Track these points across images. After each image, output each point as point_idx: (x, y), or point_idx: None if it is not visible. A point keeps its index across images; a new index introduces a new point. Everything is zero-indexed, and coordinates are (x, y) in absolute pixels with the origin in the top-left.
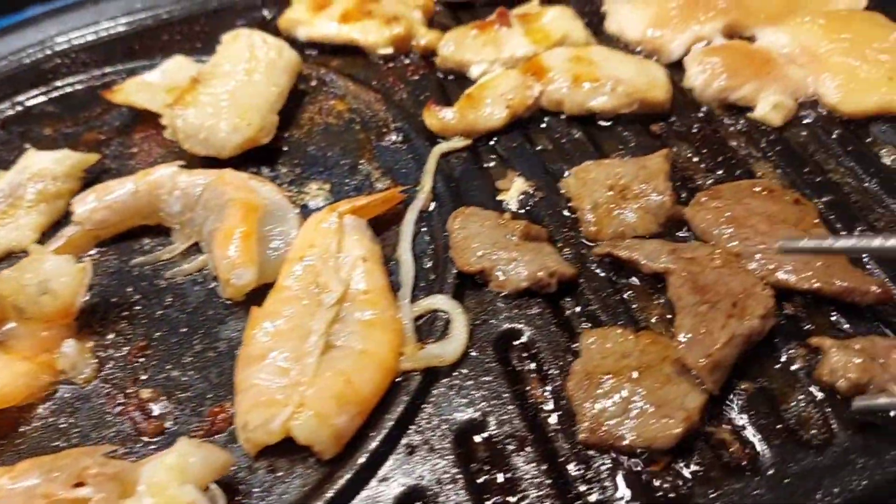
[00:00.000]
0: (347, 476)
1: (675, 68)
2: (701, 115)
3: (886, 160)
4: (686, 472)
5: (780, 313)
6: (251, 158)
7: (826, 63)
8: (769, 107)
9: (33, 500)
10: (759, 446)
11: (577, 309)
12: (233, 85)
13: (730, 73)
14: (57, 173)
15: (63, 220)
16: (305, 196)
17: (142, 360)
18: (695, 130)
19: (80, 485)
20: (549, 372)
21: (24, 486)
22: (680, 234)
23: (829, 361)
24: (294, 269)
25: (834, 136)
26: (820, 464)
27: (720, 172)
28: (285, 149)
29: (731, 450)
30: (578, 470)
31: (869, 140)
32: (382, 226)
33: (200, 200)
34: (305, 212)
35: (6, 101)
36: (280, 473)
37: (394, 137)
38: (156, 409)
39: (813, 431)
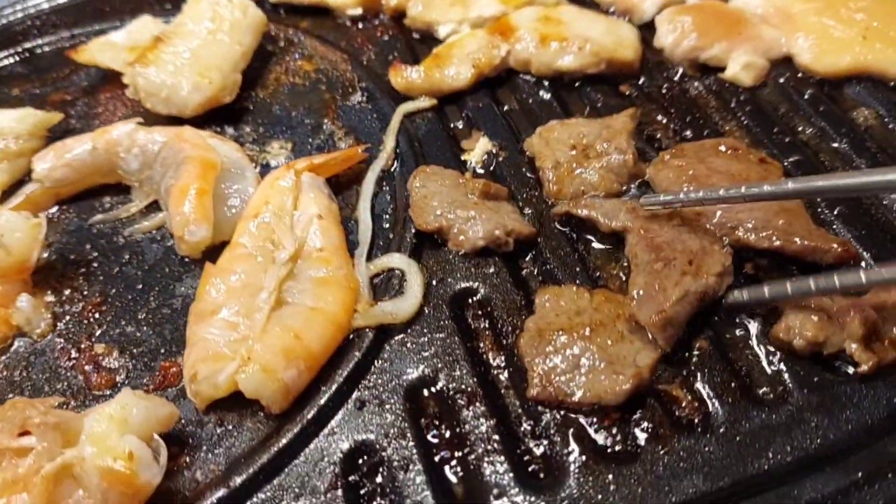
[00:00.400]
0: (295, 430)
1: (648, 29)
2: (671, 75)
3: (859, 120)
4: (636, 429)
5: (740, 272)
6: (215, 118)
7: (799, 23)
8: (740, 67)
9: None
10: (712, 404)
11: (535, 268)
12: (196, 44)
13: (700, 32)
14: (19, 132)
15: (26, 178)
16: (267, 155)
17: (97, 315)
18: (664, 91)
19: (24, 434)
20: (503, 329)
21: None
22: (645, 195)
23: (787, 320)
24: (249, 227)
25: (806, 97)
26: (773, 422)
27: (688, 133)
28: (250, 108)
29: (683, 407)
30: (528, 425)
31: (842, 101)
32: (344, 185)
33: (158, 158)
34: (266, 171)
35: None
36: (229, 427)
37: (359, 97)
38: (108, 363)
39: (766, 390)
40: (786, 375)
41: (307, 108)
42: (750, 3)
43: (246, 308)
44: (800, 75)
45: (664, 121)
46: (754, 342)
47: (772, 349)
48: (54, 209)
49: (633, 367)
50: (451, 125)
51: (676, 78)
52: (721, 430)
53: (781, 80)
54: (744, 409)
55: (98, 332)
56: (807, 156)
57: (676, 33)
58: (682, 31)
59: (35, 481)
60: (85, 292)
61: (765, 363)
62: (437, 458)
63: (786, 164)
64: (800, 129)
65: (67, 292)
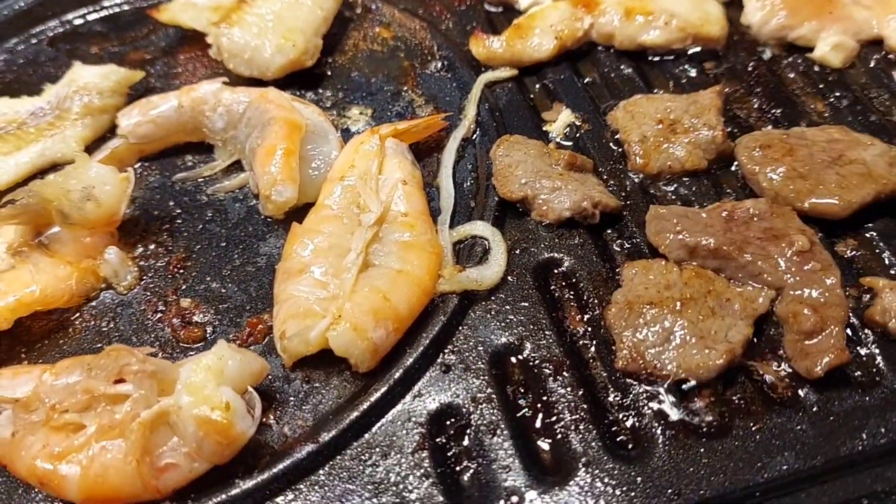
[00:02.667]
0: (382, 390)
1: (734, 6)
2: (758, 53)
3: None
4: (728, 405)
5: (834, 254)
6: (294, 81)
7: (892, 4)
8: (829, 47)
9: (74, 395)
10: (804, 383)
11: (620, 241)
12: (279, 6)
13: (790, 10)
14: (102, 88)
15: (108, 135)
16: (347, 120)
17: (182, 271)
18: (750, 69)
19: (120, 381)
20: (589, 301)
21: (66, 382)
22: (730, 169)
23: (882, 302)
24: (335, 189)
25: None
26: (866, 403)
27: (775, 112)
28: (328, 73)
29: (775, 384)
30: (616, 396)
31: None
32: (424, 153)
33: (243, 118)
34: (346, 136)
35: (54, 19)
36: (316, 385)
37: (438, 66)
38: (195, 317)
39: (860, 372)
40: (879, 358)
41: (386, 74)
42: None
43: (334, 268)
44: (891, 57)
45: (750, 99)
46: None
47: (867, 331)
48: (137, 166)
49: (726, 343)
50: (532, 96)
51: (763, 56)
52: (814, 410)
53: (871, 62)
54: (836, 389)
55: (184, 287)
56: None
57: (765, 11)
58: (772, 8)
59: (132, 427)
60: (170, 247)
61: (859, 345)
62: (524, 425)
63: None
64: (890, 112)
65: (152, 247)
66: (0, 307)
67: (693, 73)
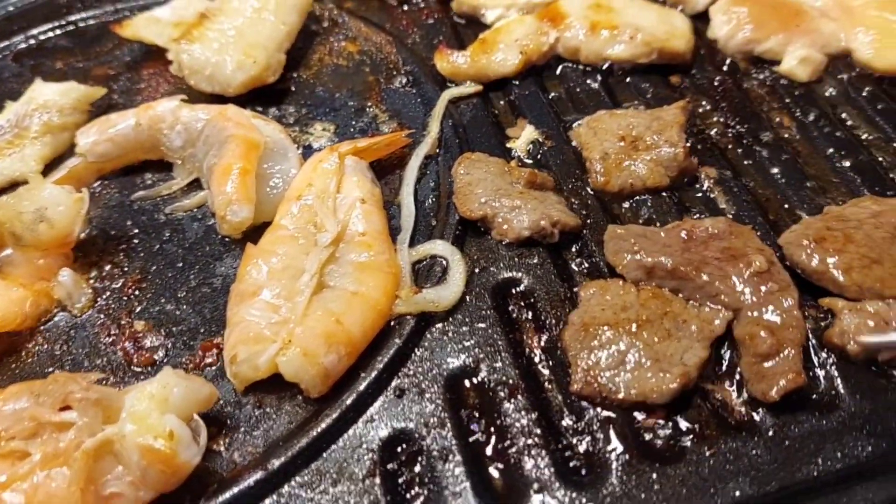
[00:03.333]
0: (334, 416)
1: (701, 19)
2: (724, 67)
3: None
4: (682, 428)
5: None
6: (258, 97)
7: (860, 17)
8: (796, 60)
9: (21, 422)
10: (761, 406)
11: (580, 260)
12: (241, 21)
13: (756, 24)
14: (62, 105)
15: (68, 152)
16: (309, 136)
17: (137, 292)
18: (716, 83)
19: (66, 409)
20: (546, 321)
21: (14, 409)
22: (693, 186)
23: (841, 324)
24: (291, 208)
25: (864, 94)
26: (823, 427)
27: (739, 128)
28: (293, 88)
29: (730, 407)
30: (570, 420)
31: None
32: (387, 170)
33: (202, 135)
34: (309, 152)
35: (20, 34)
36: (268, 410)
37: (403, 81)
38: (148, 340)
39: (818, 395)
40: (838, 380)
41: (350, 89)
42: None
43: (287, 290)
44: (858, 71)
45: (716, 114)
46: (807, 345)
47: (825, 352)
48: (96, 184)
49: (681, 366)
50: (497, 112)
51: (729, 70)
52: (769, 434)
53: (839, 76)
54: (793, 412)
55: (138, 309)
56: (866, 156)
57: (731, 25)
58: (738, 22)
59: (76, 456)
60: (125, 268)
61: (817, 367)
62: (476, 450)
63: (844, 164)
64: (858, 127)
65: (108, 268)
66: None
67: (659, 87)
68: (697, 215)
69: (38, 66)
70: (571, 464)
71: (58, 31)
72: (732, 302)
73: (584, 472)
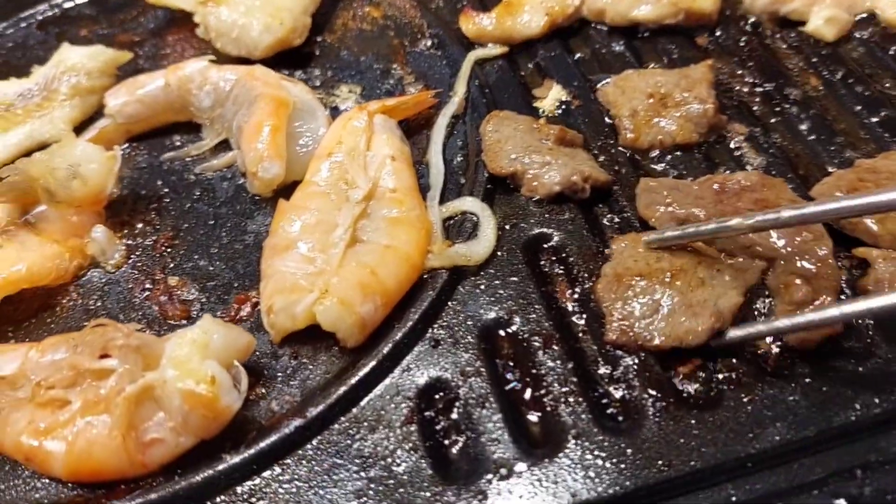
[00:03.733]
0: (371, 364)
1: None
2: (749, 28)
3: None
4: (718, 376)
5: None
6: (283, 61)
7: None
8: (822, 20)
9: (60, 372)
10: (797, 354)
11: (610, 216)
12: None
13: None
14: (90, 68)
15: (96, 115)
16: (336, 98)
17: (169, 249)
18: (742, 44)
19: (105, 356)
20: (579, 275)
21: (52, 359)
22: (721, 143)
23: (875, 272)
24: (322, 166)
25: (891, 52)
26: (860, 374)
27: (767, 86)
28: (317, 52)
29: (767, 355)
30: (606, 369)
31: None
32: (414, 130)
33: (230, 95)
34: (335, 114)
35: (43, 2)
36: (304, 360)
37: (428, 43)
38: (183, 295)
39: (853, 342)
40: (872, 329)
41: (375, 53)
42: None
43: (321, 244)
44: (884, 30)
45: (742, 74)
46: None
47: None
48: (125, 146)
49: (715, 310)
50: (523, 73)
51: (755, 31)
52: (807, 381)
53: (865, 35)
54: (830, 359)
55: (171, 266)
56: (893, 112)
57: None
58: None
59: (117, 402)
60: (157, 226)
61: None
62: (513, 398)
63: (872, 120)
64: (885, 84)
65: (140, 226)
66: None
67: (685, 48)
68: (727, 171)
69: (63, 34)
70: (608, 411)
71: (81, 0)
72: (766, 252)
73: (621, 418)
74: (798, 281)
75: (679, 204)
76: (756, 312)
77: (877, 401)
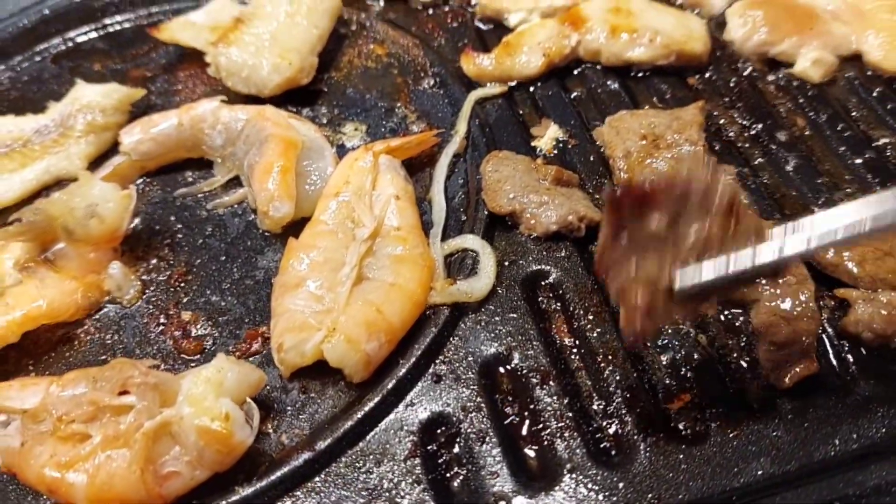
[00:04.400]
0: (376, 400)
1: (717, 21)
2: (739, 69)
3: None
4: (706, 412)
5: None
6: (291, 98)
7: (870, 20)
8: (809, 62)
9: (80, 406)
10: (780, 391)
11: None
12: (275, 25)
13: (771, 26)
14: (105, 106)
15: (110, 151)
16: (342, 136)
17: (183, 284)
18: (732, 84)
19: (124, 393)
20: (575, 312)
21: (72, 394)
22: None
23: (856, 313)
24: (330, 205)
25: (875, 94)
26: (839, 410)
27: (755, 127)
28: (324, 90)
29: (752, 392)
30: (599, 405)
31: None
32: (417, 167)
33: (241, 135)
34: (342, 151)
35: (57, 36)
36: (312, 395)
37: (431, 82)
38: (196, 330)
39: (834, 379)
40: (853, 366)
41: (380, 91)
42: None
43: (329, 282)
44: (869, 73)
45: (732, 114)
46: (822, 333)
47: (840, 341)
48: (139, 182)
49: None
50: (521, 112)
51: (745, 72)
52: (789, 417)
53: (850, 77)
54: (811, 396)
55: (185, 300)
56: (876, 154)
57: (747, 27)
58: (753, 25)
59: (136, 437)
60: (171, 262)
61: (832, 353)
62: (511, 433)
63: (856, 161)
64: (869, 126)
65: (154, 261)
66: (8, 321)
67: (677, 87)
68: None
69: (77, 68)
70: (602, 445)
71: (94, 34)
72: (751, 294)
73: (613, 452)
74: (780, 323)
75: None
76: (734, 352)
77: (854, 436)
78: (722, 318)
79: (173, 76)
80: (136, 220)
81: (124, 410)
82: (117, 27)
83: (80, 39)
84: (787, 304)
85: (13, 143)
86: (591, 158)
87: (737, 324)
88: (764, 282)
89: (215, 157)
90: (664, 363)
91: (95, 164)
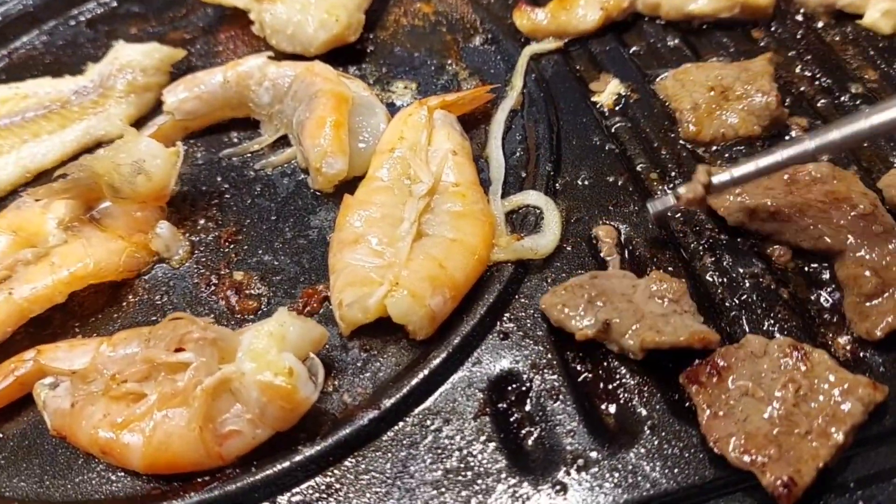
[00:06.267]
0: (442, 356)
1: None
2: (805, 21)
3: None
4: None
5: None
6: (337, 57)
7: None
8: (879, 13)
9: (134, 365)
10: (868, 346)
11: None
12: None
13: None
14: (146, 66)
15: (151, 113)
16: (392, 94)
17: (233, 245)
18: (798, 37)
19: (180, 350)
20: (647, 268)
21: (124, 353)
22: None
23: None
24: (385, 161)
25: None
26: None
27: (825, 80)
28: (371, 49)
29: (836, 348)
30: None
31: None
32: (471, 124)
33: (290, 91)
34: (392, 110)
35: (92, 1)
36: (374, 353)
37: (481, 39)
38: (249, 290)
39: None
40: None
41: (429, 49)
42: None
43: (388, 237)
44: None
45: (799, 67)
46: None
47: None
48: (183, 143)
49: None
50: (578, 67)
51: (811, 24)
52: (880, 371)
53: None
54: None
55: (236, 260)
56: None
57: None
58: None
59: (195, 394)
60: (220, 222)
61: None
62: (585, 390)
63: None
64: None
65: (202, 222)
66: (55, 281)
67: (741, 41)
68: None
69: (113, 32)
70: (686, 404)
71: None
72: (836, 244)
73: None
74: (867, 273)
75: (749, 193)
76: (820, 304)
77: None
78: (804, 270)
79: (213, 38)
80: (182, 182)
81: (181, 368)
82: None
83: (114, 4)
84: (874, 254)
85: (51, 105)
86: (656, 112)
87: (821, 276)
88: (848, 231)
89: (262, 115)
90: (745, 318)
91: (136, 125)
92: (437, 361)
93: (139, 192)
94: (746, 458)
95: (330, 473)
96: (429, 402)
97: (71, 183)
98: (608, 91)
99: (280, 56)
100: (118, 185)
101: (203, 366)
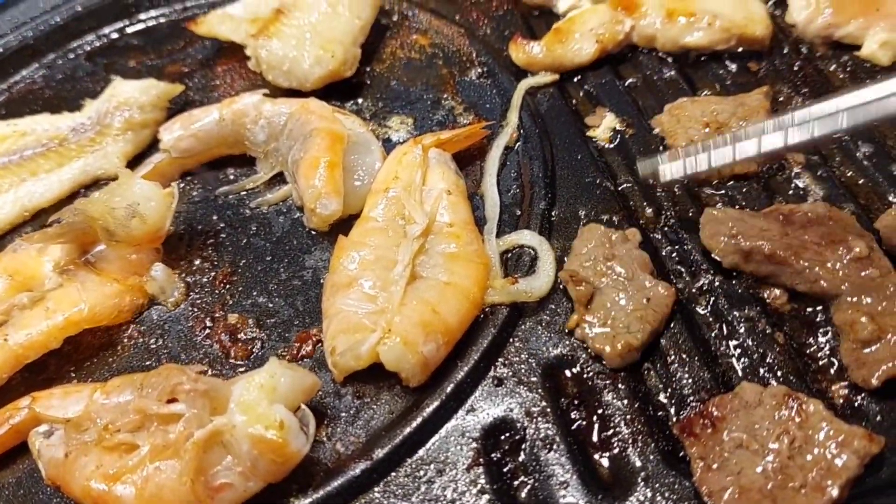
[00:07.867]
0: (435, 404)
1: (778, 3)
2: (803, 52)
3: None
4: None
5: None
6: (333, 92)
7: None
8: (877, 44)
9: (127, 415)
10: (865, 393)
11: (669, 247)
12: (316, 17)
13: (836, 8)
14: (143, 102)
15: (148, 150)
16: (388, 130)
17: (228, 286)
18: (795, 68)
19: (172, 400)
20: None
21: (118, 402)
22: (780, 172)
23: None
24: (379, 201)
25: None
26: None
27: None
28: (367, 83)
29: (833, 396)
30: (672, 408)
31: None
32: (466, 161)
33: (285, 129)
34: (388, 145)
35: (91, 33)
36: (367, 400)
37: (478, 72)
38: (243, 333)
39: None
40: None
41: (425, 82)
42: None
43: (382, 280)
44: None
45: (797, 100)
46: None
47: None
48: (179, 181)
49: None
50: (574, 101)
51: (809, 56)
52: (877, 419)
53: None
54: None
55: (231, 302)
56: None
57: (810, 9)
58: (817, 6)
59: (186, 447)
60: (215, 262)
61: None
62: (580, 439)
63: None
64: None
65: (198, 262)
66: (49, 327)
67: (737, 73)
68: (783, 202)
69: (112, 65)
70: (679, 452)
71: (128, 30)
72: (831, 288)
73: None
74: (863, 319)
75: (744, 235)
76: (816, 349)
77: None
78: (800, 314)
79: (211, 71)
80: (178, 220)
81: (173, 419)
82: (152, 22)
83: (114, 36)
84: (870, 299)
85: (49, 143)
86: (651, 148)
87: (817, 319)
88: (844, 275)
89: (258, 153)
90: (739, 365)
91: (134, 162)
92: (430, 409)
93: (134, 235)
94: None
95: None
96: (421, 452)
97: (66, 227)
98: (604, 126)
99: (276, 91)
100: (113, 229)
101: (194, 417)
